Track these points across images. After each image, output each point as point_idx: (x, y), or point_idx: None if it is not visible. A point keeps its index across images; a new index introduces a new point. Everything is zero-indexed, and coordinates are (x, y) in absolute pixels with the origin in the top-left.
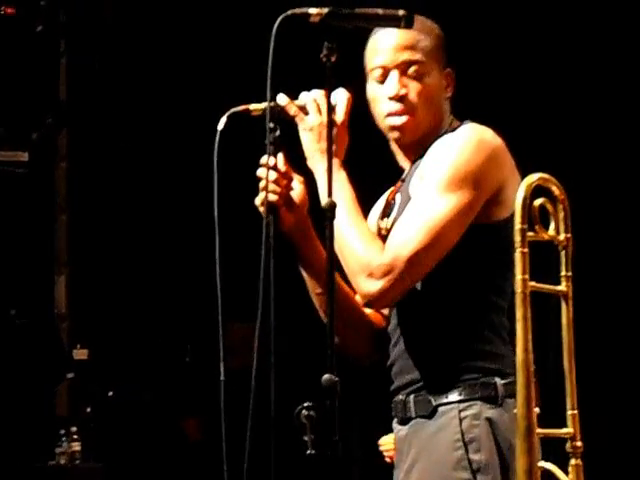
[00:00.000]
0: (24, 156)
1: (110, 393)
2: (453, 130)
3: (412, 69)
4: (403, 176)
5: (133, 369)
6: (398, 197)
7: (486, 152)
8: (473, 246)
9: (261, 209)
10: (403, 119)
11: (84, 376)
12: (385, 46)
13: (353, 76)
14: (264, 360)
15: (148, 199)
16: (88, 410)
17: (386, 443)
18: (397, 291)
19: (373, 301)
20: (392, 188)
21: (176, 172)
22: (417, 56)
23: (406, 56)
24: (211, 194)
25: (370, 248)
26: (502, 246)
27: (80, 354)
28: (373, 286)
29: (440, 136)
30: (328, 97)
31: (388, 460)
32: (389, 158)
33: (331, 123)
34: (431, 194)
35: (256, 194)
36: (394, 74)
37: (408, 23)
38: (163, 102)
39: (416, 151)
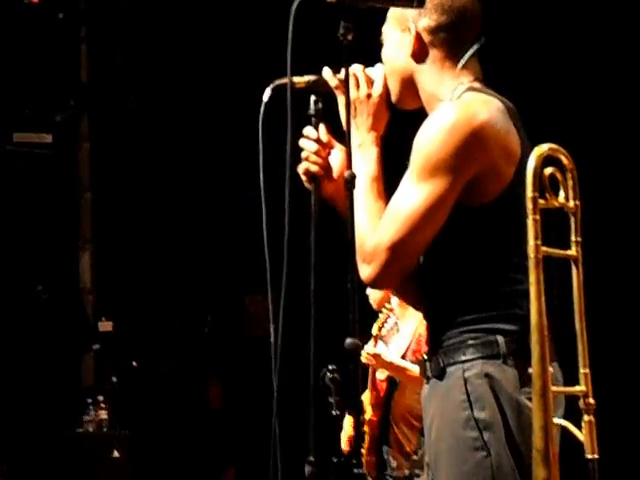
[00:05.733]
0: (48, 138)
1: (134, 363)
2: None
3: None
4: None
5: (156, 340)
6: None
7: (460, 135)
8: (478, 223)
9: (303, 178)
10: None
11: (109, 347)
12: None
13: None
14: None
15: (169, 175)
16: (114, 380)
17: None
18: (386, 276)
19: (368, 283)
20: None
21: (193, 149)
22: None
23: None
24: (224, 167)
25: (367, 232)
26: (509, 215)
27: (105, 326)
28: (365, 270)
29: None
30: (346, 74)
31: None
32: None
33: (349, 99)
34: (407, 184)
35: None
36: None
37: (420, 3)
38: (182, 83)
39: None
